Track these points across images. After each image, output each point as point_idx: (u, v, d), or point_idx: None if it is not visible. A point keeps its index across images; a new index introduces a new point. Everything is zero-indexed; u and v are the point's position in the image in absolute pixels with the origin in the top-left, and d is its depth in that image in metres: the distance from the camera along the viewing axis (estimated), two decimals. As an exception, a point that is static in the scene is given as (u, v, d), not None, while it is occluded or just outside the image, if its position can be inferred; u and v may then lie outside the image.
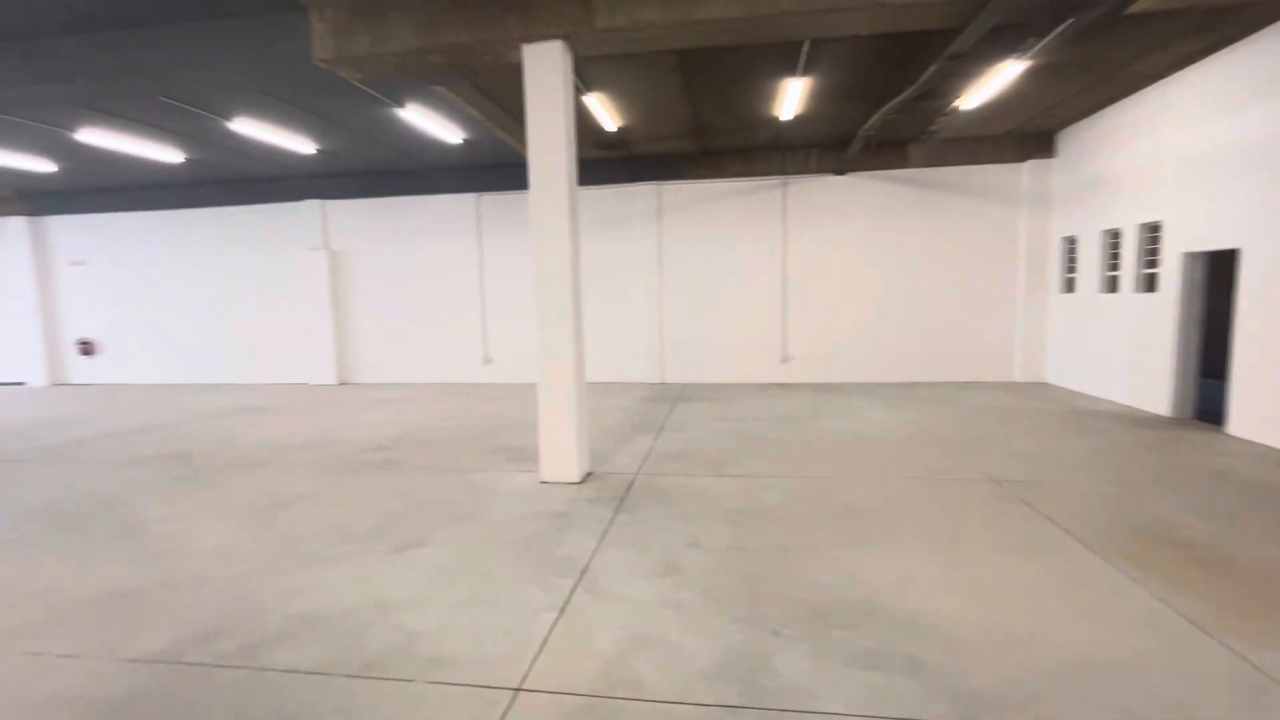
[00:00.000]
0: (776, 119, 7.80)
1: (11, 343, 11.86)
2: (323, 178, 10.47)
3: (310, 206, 10.67)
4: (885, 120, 7.30)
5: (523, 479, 4.83)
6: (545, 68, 4.39)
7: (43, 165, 9.14)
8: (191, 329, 11.53)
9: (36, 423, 7.89)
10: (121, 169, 9.63)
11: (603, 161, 9.61)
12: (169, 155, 8.66)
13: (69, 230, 11.67)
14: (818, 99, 7.10)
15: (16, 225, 11.57)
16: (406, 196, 10.50)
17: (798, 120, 7.87)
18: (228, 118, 7.13)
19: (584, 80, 6.35)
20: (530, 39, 4.34)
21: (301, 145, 8.29)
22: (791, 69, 6.15)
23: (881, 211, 9.39)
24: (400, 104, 6.75)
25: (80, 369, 11.98)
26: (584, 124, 7.64)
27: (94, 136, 7.64)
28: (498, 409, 8.02)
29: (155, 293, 11.57)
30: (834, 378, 9.68)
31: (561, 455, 4.66)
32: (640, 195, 9.84)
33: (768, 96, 7.02)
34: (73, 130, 7.47)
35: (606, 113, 7.31)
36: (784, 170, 9.40)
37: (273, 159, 9.20)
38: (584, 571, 3.16)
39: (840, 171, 9.36)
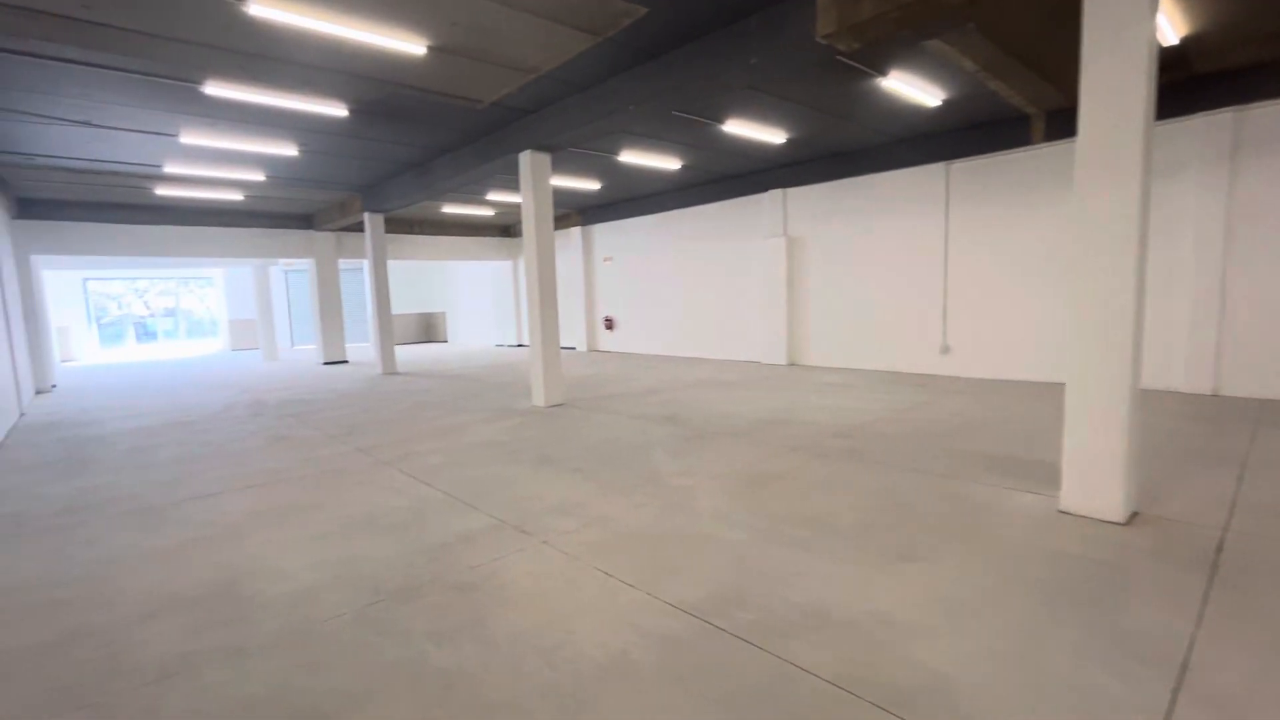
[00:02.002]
0: None
1: (570, 319, 16.46)
2: (784, 167, 10.99)
3: (772, 196, 11.36)
4: None
5: (1027, 501, 3.89)
6: (1118, -37, 3.26)
7: (592, 185, 12.18)
8: (674, 310, 13.86)
9: (586, 379, 10.62)
10: (639, 181, 12.07)
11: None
12: (670, 164, 10.37)
13: (604, 234, 15.44)
14: None
15: (574, 234, 15.92)
16: (863, 176, 10.12)
17: None
18: (720, 121, 7.99)
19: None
20: (1098, -70, 3.27)
21: (774, 136, 8.75)
22: None
23: None
24: (883, 72, 6.33)
25: (604, 339, 15.85)
26: (1123, 45, 5.77)
27: (627, 156, 9.68)
28: (961, 406, 6.97)
29: (652, 280, 14.32)
30: None
31: (1098, 482, 3.54)
32: (1198, 131, 7.05)
33: None
34: (615, 154, 9.62)
35: (1168, 20, 5.33)
36: None
37: (748, 154, 10.04)
38: (1184, 668, 2.19)
39: None
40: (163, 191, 10.84)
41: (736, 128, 8.22)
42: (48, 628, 2.78)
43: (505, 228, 18.54)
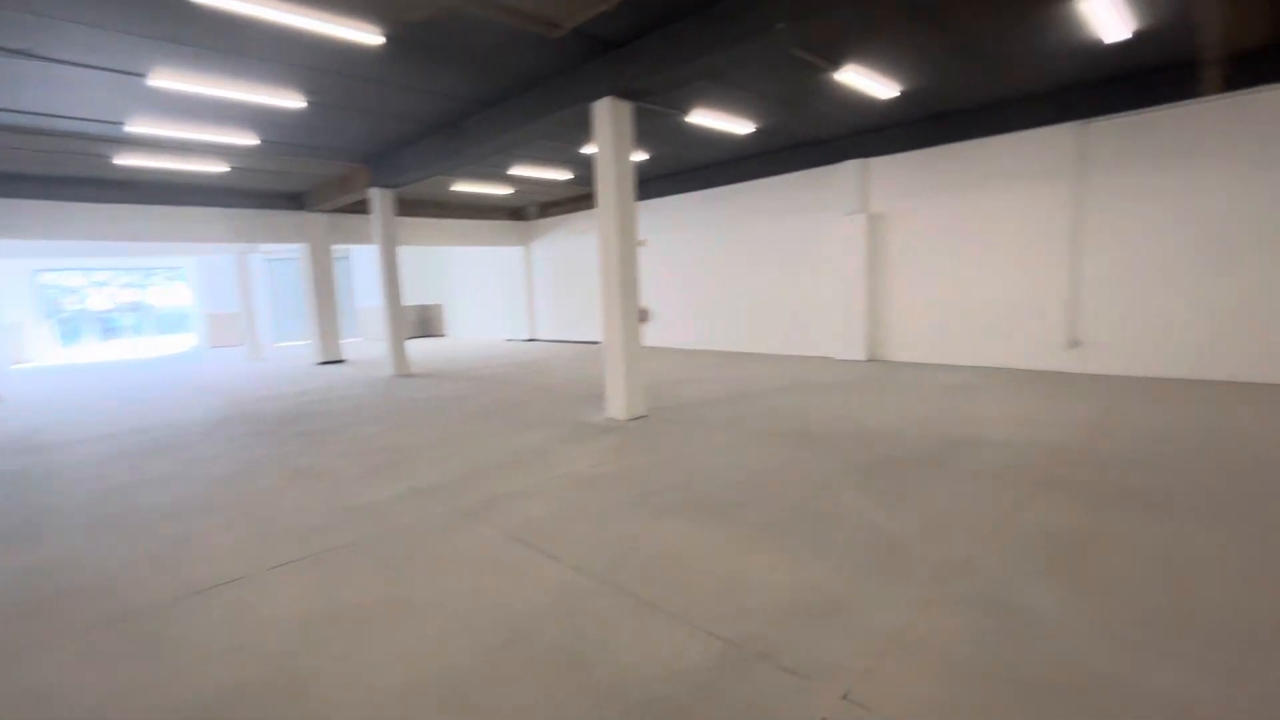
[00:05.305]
0: None
1: (592, 310, 14.85)
2: (867, 133, 9.51)
3: (849, 168, 9.90)
4: None
5: None
6: None
7: (637, 155, 10.57)
8: (721, 299, 12.35)
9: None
10: (693, 150, 10.49)
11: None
12: (743, 127, 8.81)
13: (640, 214, 13.80)
14: None
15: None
16: (970, 140, 8.69)
17: None
18: (838, 66, 6.47)
19: None
20: None
21: (886, 89, 7.25)
22: None
23: None
24: (1097, -15, 4.88)
25: (635, 332, 14.28)
26: None
27: (698, 116, 8.11)
28: (1166, 415, 5.61)
29: (693, 266, 12.78)
30: None
31: None
32: None
33: None
34: (685, 113, 8.04)
35: None
36: None
37: (838, 115, 8.54)
38: None
39: None
40: (124, 161, 8.92)
41: (851, 76, 6.72)
42: None
43: (516, 210, 16.80)
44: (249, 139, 8.16)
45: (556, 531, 3.56)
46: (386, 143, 9.14)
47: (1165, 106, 7.13)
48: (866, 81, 6.96)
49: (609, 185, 6.18)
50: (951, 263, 9.10)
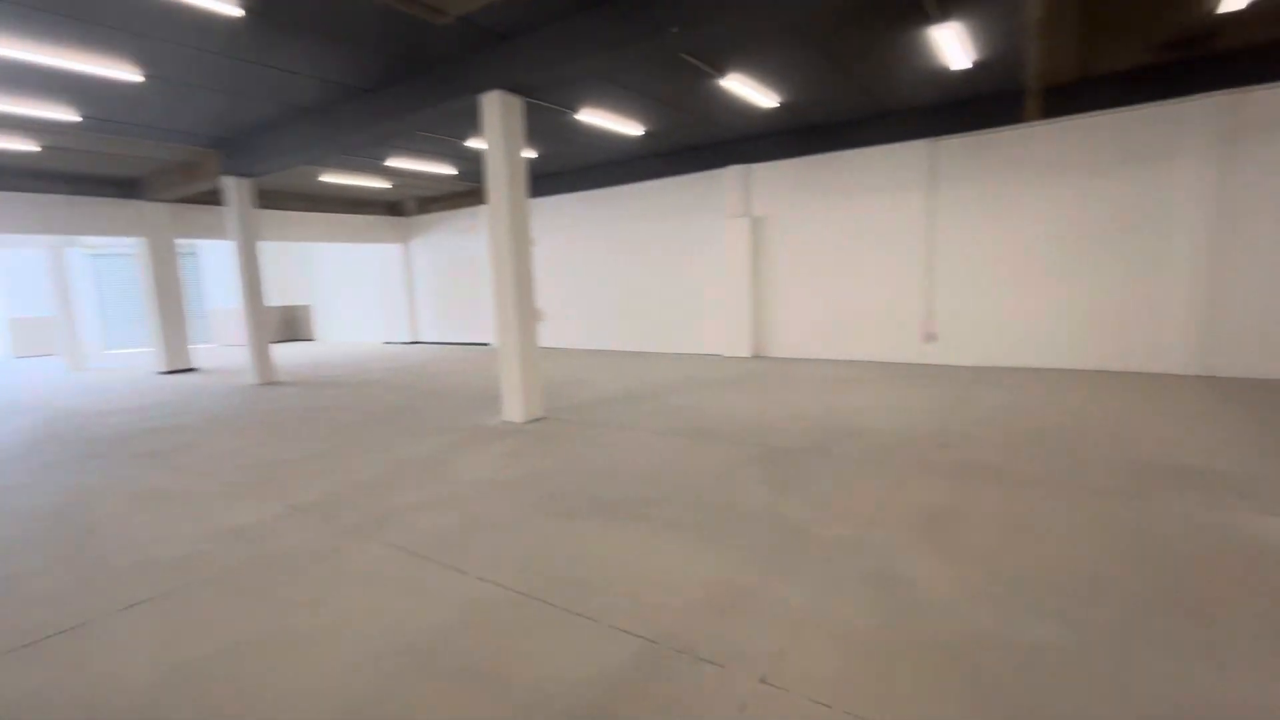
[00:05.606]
0: None
1: (481, 311, 14.38)
2: (749, 140, 9.98)
3: (733, 173, 10.33)
4: None
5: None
6: None
7: (528, 152, 10.36)
8: (611, 299, 12.43)
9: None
10: (583, 150, 10.44)
11: (1145, 71, 7.06)
12: (633, 129, 8.92)
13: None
14: None
15: (486, 212, 13.83)
16: (840, 151, 9.40)
17: None
18: (723, 73, 6.73)
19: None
20: None
21: (768, 98, 7.65)
22: None
23: None
24: (943, 16, 5.44)
25: (526, 333, 13.99)
26: (1140, 15, 5.38)
27: (587, 115, 8.09)
28: (1008, 400, 6.41)
29: (583, 266, 12.75)
30: None
31: None
32: (1199, 115, 7.02)
33: None
34: (574, 111, 7.98)
35: (1255, -23, 4.95)
36: None
37: (726, 122, 8.88)
38: None
39: None
40: (-102, 132, 7.36)
41: (735, 84, 7.02)
42: None
43: (393, 205, 15.85)
44: (67, 114, 7.02)
45: (459, 543, 3.39)
46: (243, 127, 8.25)
47: (999, 129, 8.13)
48: (749, 90, 7.30)
49: (500, 182, 5.99)
50: (827, 264, 9.79)
